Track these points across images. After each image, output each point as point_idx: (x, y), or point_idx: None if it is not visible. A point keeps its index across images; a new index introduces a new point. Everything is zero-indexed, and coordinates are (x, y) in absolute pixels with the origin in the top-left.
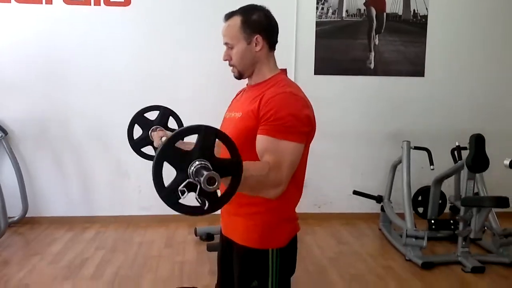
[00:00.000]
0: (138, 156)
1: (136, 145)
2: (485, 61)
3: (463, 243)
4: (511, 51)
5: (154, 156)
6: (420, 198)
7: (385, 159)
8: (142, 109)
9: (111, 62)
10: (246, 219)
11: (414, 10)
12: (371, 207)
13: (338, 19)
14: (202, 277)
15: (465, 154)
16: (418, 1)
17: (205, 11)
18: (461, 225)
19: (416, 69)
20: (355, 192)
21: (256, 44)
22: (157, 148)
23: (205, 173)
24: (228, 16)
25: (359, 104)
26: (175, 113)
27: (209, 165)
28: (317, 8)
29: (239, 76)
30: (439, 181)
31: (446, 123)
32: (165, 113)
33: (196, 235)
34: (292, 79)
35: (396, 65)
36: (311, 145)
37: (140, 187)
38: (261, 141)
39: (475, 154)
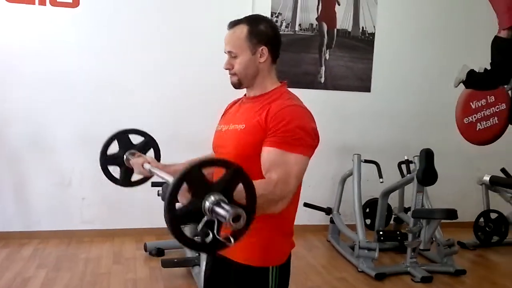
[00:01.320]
0: (80, 163)
1: (106, 161)
2: (426, 78)
3: (412, 254)
4: (450, 68)
5: (116, 178)
6: (368, 210)
7: (332, 172)
8: (128, 129)
9: (55, 64)
10: (247, 236)
11: (362, 27)
12: (319, 219)
13: (291, 33)
14: None
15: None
16: (367, 19)
17: (154, 12)
18: (410, 237)
19: (364, 84)
20: (306, 205)
21: (261, 55)
22: (127, 173)
23: (230, 210)
24: (233, 24)
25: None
26: (130, 129)
27: (221, 196)
28: None
29: (238, 86)
30: (387, 193)
31: (391, 137)
32: (149, 143)
33: (145, 251)
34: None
35: (345, 80)
36: None
37: (83, 198)
38: (268, 153)
39: (425, 168)
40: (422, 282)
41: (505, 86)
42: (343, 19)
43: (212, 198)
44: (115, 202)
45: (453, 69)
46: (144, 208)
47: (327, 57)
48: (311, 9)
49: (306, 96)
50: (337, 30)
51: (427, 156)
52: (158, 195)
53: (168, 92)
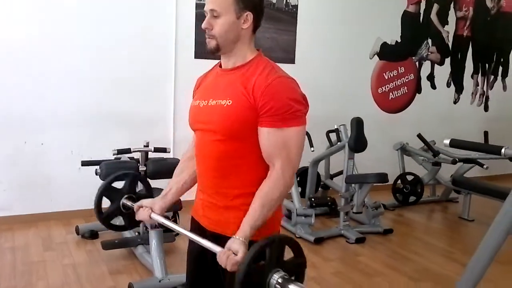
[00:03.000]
0: None
1: (107, 219)
2: (344, 50)
3: (345, 218)
4: (366, 41)
5: (124, 226)
6: (298, 178)
7: None
8: (109, 180)
9: None
10: (241, 211)
11: (286, 0)
12: None
13: None
14: (103, 278)
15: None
16: None
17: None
18: (342, 201)
19: (288, 56)
20: None
21: (244, 21)
22: (131, 217)
23: None
24: None
25: None
26: (143, 178)
27: (287, 275)
28: None
29: (216, 50)
30: (317, 162)
31: (315, 107)
32: (134, 179)
33: (77, 234)
34: (172, 63)
35: (270, 51)
36: None
37: None
38: (267, 134)
39: (356, 136)
40: (357, 243)
41: (413, 58)
42: None
43: (280, 274)
44: (35, 185)
45: (369, 42)
46: (69, 189)
47: None
48: None
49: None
50: None
51: (358, 124)
52: (97, 174)
53: (99, 74)
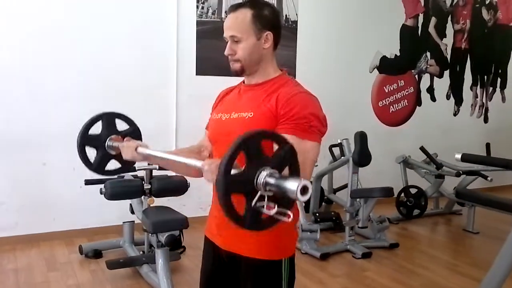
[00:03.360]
0: None
1: (99, 167)
2: (344, 64)
3: (350, 232)
4: (366, 55)
5: (90, 162)
6: None
7: None
8: (84, 128)
9: None
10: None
11: (286, 15)
12: None
13: (218, 20)
14: None
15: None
16: (289, 7)
17: None
18: (347, 216)
19: (289, 71)
20: None
21: (265, 41)
22: (103, 159)
23: (300, 181)
24: (235, 8)
25: None
26: (119, 114)
27: (276, 172)
28: (197, 7)
29: (241, 73)
30: (321, 176)
31: None
32: (109, 119)
33: (81, 253)
34: (174, 80)
35: None
36: None
37: (1, 203)
38: None
39: (360, 150)
40: (363, 258)
41: (413, 71)
42: None
43: (267, 172)
44: (37, 205)
45: (368, 56)
46: (71, 208)
47: None
48: None
49: (234, 84)
50: None
51: (361, 138)
52: (101, 193)
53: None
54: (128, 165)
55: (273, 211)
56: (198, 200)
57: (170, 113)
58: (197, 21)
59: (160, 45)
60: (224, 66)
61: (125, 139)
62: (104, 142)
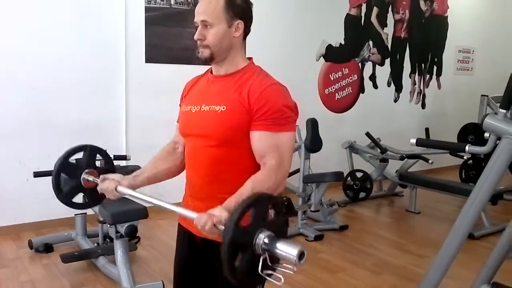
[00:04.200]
0: None
1: (67, 197)
2: (292, 52)
3: (302, 216)
4: (313, 43)
5: (84, 204)
6: None
7: None
8: (65, 154)
9: None
10: None
11: None
12: None
13: (167, 6)
14: None
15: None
16: None
17: None
18: (300, 200)
19: None
20: None
21: (235, 29)
22: (93, 194)
23: (295, 250)
24: None
25: None
26: (101, 149)
27: (273, 234)
28: None
29: (210, 59)
30: None
31: None
32: (92, 152)
33: (31, 248)
34: (123, 67)
35: None
36: None
37: None
38: (260, 137)
39: (312, 136)
40: (315, 240)
41: (356, 59)
42: None
43: (261, 237)
44: None
45: (315, 45)
46: (17, 202)
47: None
48: None
49: (186, 72)
50: None
51: (313, 125)
52: None
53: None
54: (95, 202)
55: (270, 271)
56: (150, 190)
57: (120, 102)
58: (145, 7)
59: (108, 33)
60: (174, 54)
61: (100, 177)
62: (81, 173)
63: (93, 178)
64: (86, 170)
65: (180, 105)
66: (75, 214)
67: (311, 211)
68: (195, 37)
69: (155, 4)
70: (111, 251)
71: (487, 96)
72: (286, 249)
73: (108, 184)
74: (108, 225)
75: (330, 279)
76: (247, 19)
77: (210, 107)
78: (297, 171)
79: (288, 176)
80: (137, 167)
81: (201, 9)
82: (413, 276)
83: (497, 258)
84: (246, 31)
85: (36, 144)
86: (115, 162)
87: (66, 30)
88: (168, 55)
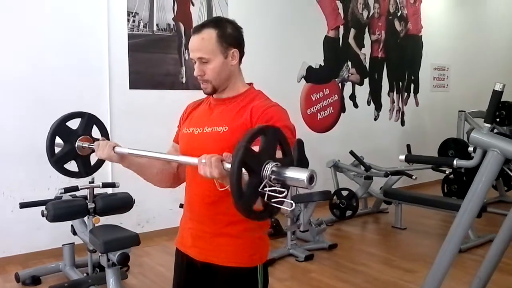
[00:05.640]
0: None
1: (59, 161)
2: (278, 75)
3: (292, 237)
4: (293, 66)
5: (76, 172)
6: None
7: None
8: (63, 117)
9: None
10: (236, 238)
11: None
12: None
13: (149, 33)
14: None
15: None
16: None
17: None
18: (289, 221)
19: None
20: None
21: (232, 58)
22: (86, 162)
23: (304, 174)
24: (199, 29)
25: (173, 118)
26: (99, 120)
27: (279, 164)
28: (128, 20)
29: (213, 92)
30: None
31: None
32: (90, 121)
33: (18, 281)
34: (107, 94)
35: None
36: None
37: None
38: None
39: (299, 157)
40: (306, 261)
41: (336, 79)
42: (198, 19)
43: (269, 167)
44: None
45: (296, 66)
46: (1, 234)
47: (187, 57)
48: (167, 9)
49: (168, 97)
50: None
51: (299, 145)
52: (43, 215)
53: None
54: (88, 170)
55: (280, 196)
56: (137, 217)
57: None
58: (128, 34)
59: (93, 59)
60: (158, 80)
61: (95, 142)
62: (75, 139)
63: (88, 144)
64: (82, 137)
65: (178, 127)
66: (63, 245)
67: (300, 231)
68: (195, 74)
69: (138, 31)
70: (102, 280)
71: (464, 111)
72: (295, 174)
73: (105, 148)
74: (99, 254)
75: None
76: (240, 45)
77: (212, 129)
78: None
79: None
80: (127, 194)
81: (195, 46)
82: None
83: (488, 268)
84: (241, 55)
85: (21, 174)
86: (103, 190)
87: (50, 59)
88: (151, 81)
